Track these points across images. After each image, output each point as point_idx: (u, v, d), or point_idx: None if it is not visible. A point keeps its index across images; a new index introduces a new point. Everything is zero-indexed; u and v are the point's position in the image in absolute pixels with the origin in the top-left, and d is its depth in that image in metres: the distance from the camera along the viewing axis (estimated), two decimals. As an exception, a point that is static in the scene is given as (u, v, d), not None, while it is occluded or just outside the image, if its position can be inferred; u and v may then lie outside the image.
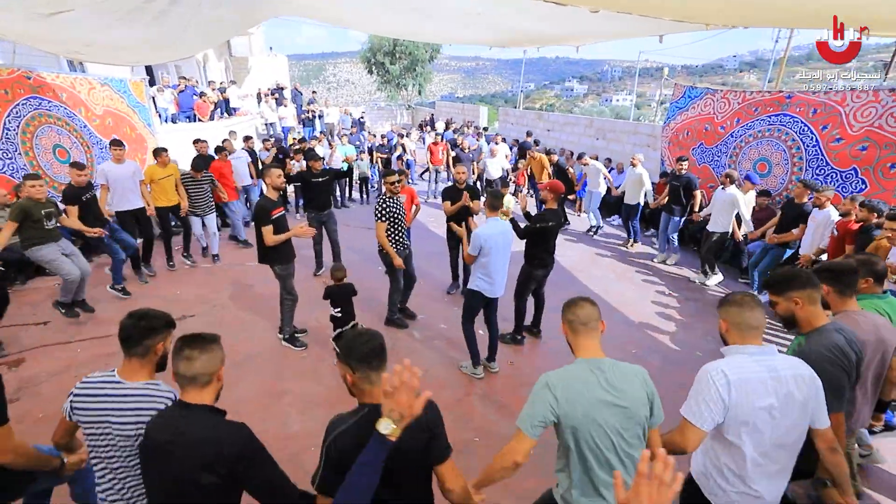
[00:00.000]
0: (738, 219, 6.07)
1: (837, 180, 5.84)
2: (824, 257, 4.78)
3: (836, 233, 4.62)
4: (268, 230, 3.95)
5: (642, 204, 7.52)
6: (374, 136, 12.02)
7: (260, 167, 8.53)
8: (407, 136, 11.94)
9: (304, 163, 8.54)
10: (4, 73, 6.05)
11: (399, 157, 10.19)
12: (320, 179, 5.81)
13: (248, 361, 4.18)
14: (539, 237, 4.15)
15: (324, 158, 5.80)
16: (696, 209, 6.62)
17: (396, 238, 4.49)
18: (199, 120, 11.06)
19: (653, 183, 7.61)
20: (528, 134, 11.69)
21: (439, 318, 5.07)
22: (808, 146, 6.22)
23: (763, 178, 6.83)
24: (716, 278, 6.21)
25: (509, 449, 1.66)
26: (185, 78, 11.14)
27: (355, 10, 5.48)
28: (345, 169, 9.08)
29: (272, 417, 3.48)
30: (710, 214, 6.14)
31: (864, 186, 5.55)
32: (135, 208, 5.74)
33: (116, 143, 5.65)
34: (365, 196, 10.34)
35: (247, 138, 8.68)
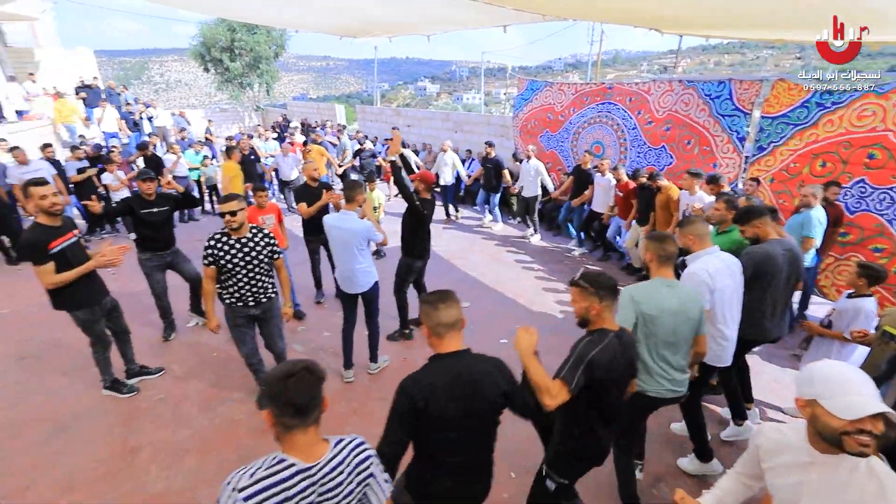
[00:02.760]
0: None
1: (653, 156, 6.98)
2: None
3: (619, 193, 6.06)
4: (43, 271, 2.96)
5: (453, 183, 8.61)
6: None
7: (68, 180, 6.93)
8: (257, 137, 10.86)
9: (120, 174, 7.13)
10: None
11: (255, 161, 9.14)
12: (155, 211, 4.01)
13: (81, 420, 3.32)
14: (416, 225, 4.08)
15: (153, 178, 4.06)
16: (511, 183, 7.80)
17: (237, 291, 3.06)
18: (-33, 127, 8.52)
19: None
20: (395, 129, 11.62)
21: (322, 326, 4.70)
22: (629, 129, 7.31)
23: (598, 159, 7.82)
24: (536, 237, 7.62)
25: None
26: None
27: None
28: (193, 178, 7.86)
29: (127, 480, 2.80)
30: (522, 186, 7.44)
31: (672, 160, 6.72)
32: None
33: None
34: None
35: (46, 146, 6.94)
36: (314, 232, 4.78)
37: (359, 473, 1.32)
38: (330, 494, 1.25)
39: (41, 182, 3.06)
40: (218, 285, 3.08)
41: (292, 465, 1.21)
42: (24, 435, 3.16)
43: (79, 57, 16.44)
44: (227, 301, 3.11)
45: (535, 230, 7.66)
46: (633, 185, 5.80)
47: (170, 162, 7.84)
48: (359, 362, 3.90)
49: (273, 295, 3.24)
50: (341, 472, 1.28)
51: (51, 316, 4.01)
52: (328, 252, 4.54)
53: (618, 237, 6.58)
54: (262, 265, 3.08)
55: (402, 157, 3.92)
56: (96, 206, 3.86)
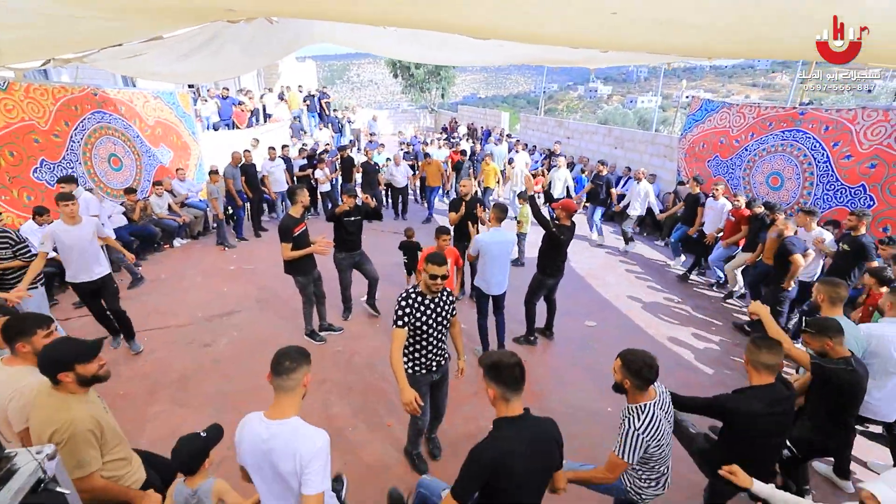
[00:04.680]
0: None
1: (847, 196, 6.04)
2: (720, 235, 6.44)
3: (732, 218, 6.15)
4: (286, 247, 4.28)
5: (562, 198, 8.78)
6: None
7: (294, 176, 9.15)
8: (431, 144, 12.37)
9: (327, 171, 9.09)
10: (76, 91, 6.78)
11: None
12: (352, 219, 4.94)
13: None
14: (552, 248, 4.55)
15: (356, 195, 5.02)
16: (616, 202, 8.42)
17: (424, 356, 2.83)
18: (237, 127, 11.78)
19: (666, 193, 8.04)
20: (558, 143, 12.05)
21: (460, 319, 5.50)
22: (819, 162, 6.43)
23: (775, 192, 7.04)
24: (631, 245, 8.15)
25: None
26: (226, 88, 11.88)
27: (377, 41, 6.05)
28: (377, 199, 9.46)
29: (317, 400, 4.00)
30: (628, 203, 8.14)
31: (872, 203, 5.74)
32: (97, 278, 4.26)
33: (65, 198, 3.94)
34: (402, 207, 9.94)
35: (283, 146, 9.30)
36: (461, 239, 5.63)
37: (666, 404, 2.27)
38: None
39: (301, 188, 4.45)
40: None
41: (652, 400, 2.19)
42: (261, 350, 4.66)
43: (306, 67, 20.77)
44: (411, 370, 2.84)
45: (626, 241, 8.17)
46: (746, 212, 5.94)
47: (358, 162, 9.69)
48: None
49: (448, 356, 3.01)
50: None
51: (277, 275, 5.63)
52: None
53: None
54: (446, 326, 2.85)
55: (531, 198, 4.61)
56: (371, 202, 5.21)
